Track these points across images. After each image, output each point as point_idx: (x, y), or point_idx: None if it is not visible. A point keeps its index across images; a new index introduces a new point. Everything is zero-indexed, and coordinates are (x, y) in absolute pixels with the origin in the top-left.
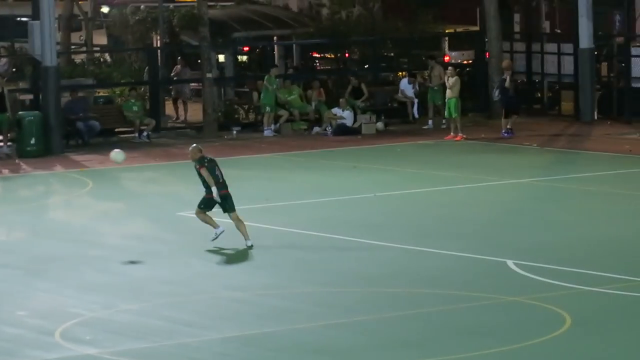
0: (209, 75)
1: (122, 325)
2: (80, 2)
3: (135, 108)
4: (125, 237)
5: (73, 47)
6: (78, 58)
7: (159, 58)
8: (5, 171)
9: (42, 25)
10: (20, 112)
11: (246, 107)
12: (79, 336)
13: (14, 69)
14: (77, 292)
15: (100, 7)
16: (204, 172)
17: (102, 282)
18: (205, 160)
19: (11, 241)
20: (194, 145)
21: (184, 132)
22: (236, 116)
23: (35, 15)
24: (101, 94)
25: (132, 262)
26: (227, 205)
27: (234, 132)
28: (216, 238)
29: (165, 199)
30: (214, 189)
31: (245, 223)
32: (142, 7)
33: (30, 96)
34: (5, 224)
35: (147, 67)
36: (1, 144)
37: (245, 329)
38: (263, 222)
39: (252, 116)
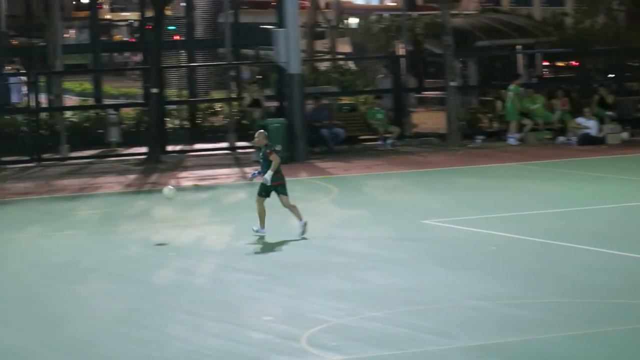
0: (452, 83)
1: (366, 332)
2: (324, 11)
3: (379, 116)
4: (368, 244)
5: (317, 55)
6: (322, 66)
7: (403, 66)
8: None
9: (287, 33)
10: (266, 119)
11: (490, 115)
12: (324, 342)
13: (258, 76)
14: (321, 299)
15: (344, 16)
16: (274, 157)
17: (346, 288)
18: (273, 147)
19: (257, 247)
20: (261, 131)
21: (428, 140)
22: (480, 125)
23: (280, 23)
24: (345, 101)
25: (376, 270)
26: (281, 190)
27: (478, 140)
28: (256, 234)
29: (410, 207)
30: (269, 173)
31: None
32: (385, 15)
33: (276, 103)
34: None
35: (381, 76)
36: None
37: (488, 338)
38: (505, 231)
39: (495, 125)
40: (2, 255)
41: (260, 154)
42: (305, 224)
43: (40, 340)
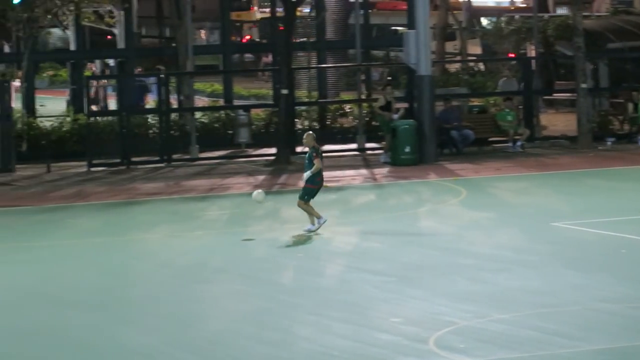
0: (583, 85)
1: (494, 335)
2: (454, 12)
3: (509, 118)
4: (496, 246)
5: (447, 56)
6: (452, 67)
7: (533, 68)
8: (380, 178)
9: (417, 34)
10: (396, 121)
11: (620, 117)
12: (452, 344)
13: (389, 78)
14: (449, 301)
15: (475, 17)
16: (317, 161)
17: (474, 290)
18: (319, 151)
19: (385, 248)
20: (310, 132)
21: (558, 142)
22: (610, 127)
23: (411, 24)
24: (475, 103)
25: (504, 272)
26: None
27: (608, 143)
28: (318, 227)
29: (539, 209)
30: (307, 173)
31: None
32: (516, 16)
33: (405, 104)
34: (380, 232)
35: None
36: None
37: (617, 341)
38: (635, 234)
39: (626, 127)
40: (131, 255)
41: (307, 155)
42: (310, 230)
43: (167, 340)
